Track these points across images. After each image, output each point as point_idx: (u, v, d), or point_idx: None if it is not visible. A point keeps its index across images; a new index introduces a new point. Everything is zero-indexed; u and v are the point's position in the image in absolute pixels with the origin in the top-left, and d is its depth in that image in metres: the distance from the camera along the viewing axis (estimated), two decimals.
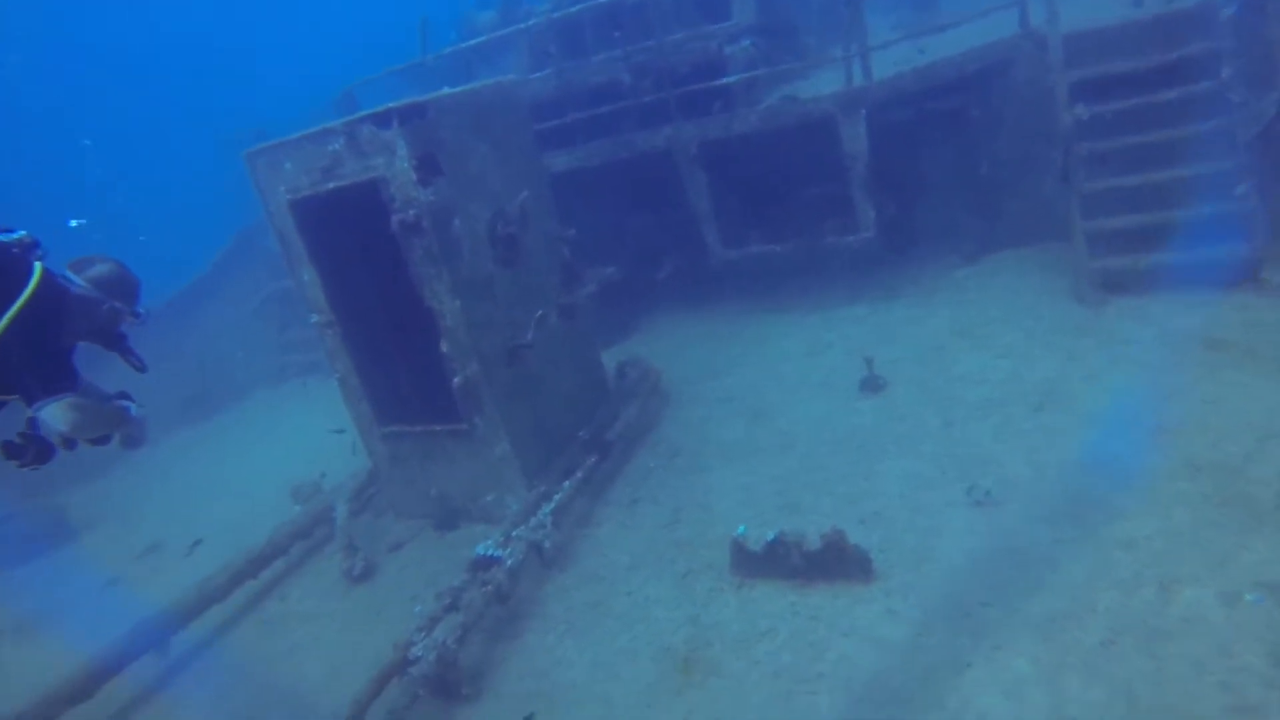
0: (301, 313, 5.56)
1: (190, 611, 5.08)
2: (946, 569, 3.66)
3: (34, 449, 3.11)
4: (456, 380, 4.91)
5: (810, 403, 5.59)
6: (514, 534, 4.70)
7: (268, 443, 8.22)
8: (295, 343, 9.85)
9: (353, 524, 5.58)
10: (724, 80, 6.46)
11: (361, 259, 4.99)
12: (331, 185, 4.75)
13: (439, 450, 5.35)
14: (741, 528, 4.15)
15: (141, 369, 3.54)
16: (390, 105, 4.42)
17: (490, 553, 4.57)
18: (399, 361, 5.34)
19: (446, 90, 4.80)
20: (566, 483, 5.11)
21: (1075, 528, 3.66)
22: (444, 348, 4.89)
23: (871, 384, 5.41)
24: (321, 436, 6.89)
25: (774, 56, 7.12)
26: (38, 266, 3.00)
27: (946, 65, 6.24)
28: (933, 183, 6.85)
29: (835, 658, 3.39)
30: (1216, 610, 3.02)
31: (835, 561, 3.80)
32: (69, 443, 3.18)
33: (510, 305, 5.11)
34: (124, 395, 3.56)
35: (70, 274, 3.28)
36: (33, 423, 3.08)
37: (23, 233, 3.11)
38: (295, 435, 7.79)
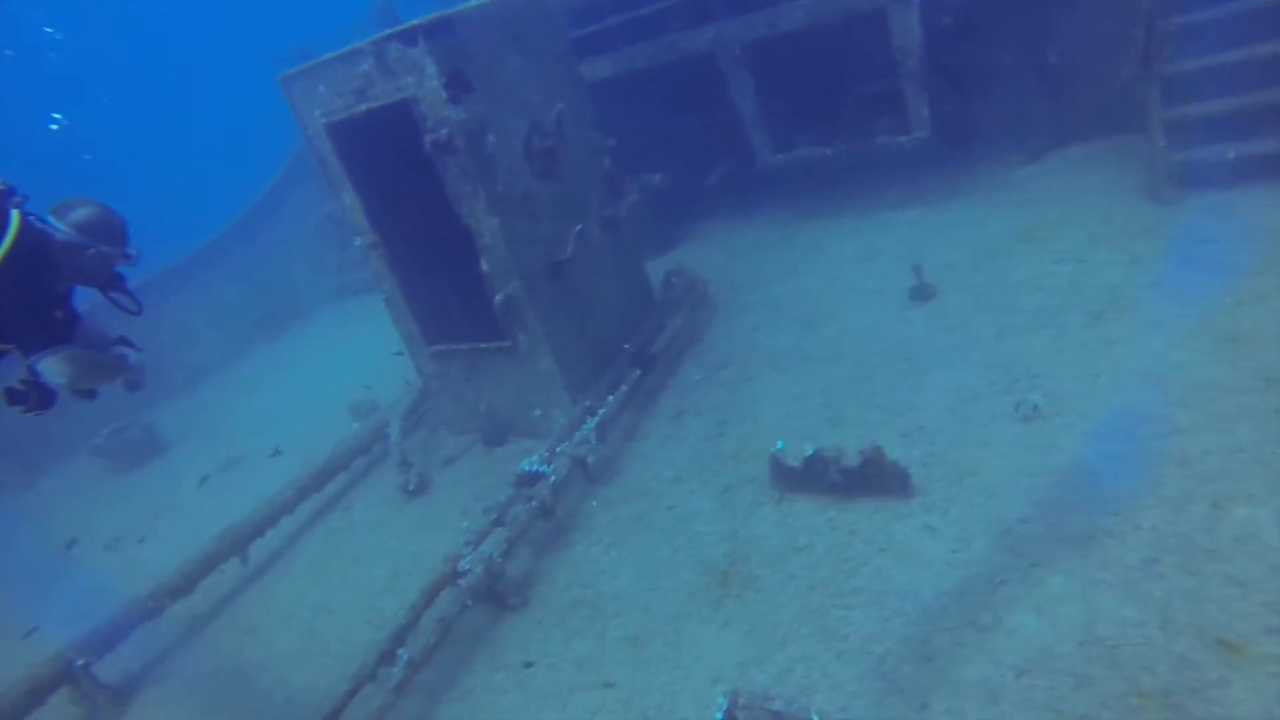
0: (351, 233, 5.61)
1: (265, 522, 5.41)
2: (988, 485, 3.58)
3: (35, 395, 3.15)
4: (498, 298, 4.93)
5: (860, 311, 5.44)
6: (558, 450, 4.80)
7: (334, 359, 8.48)
8: (353, 261, 10.04)
9: (407, 441, 5.78)
10: None
11: (401, 179, 4.97)
12: (364, 107, 4.70)
13: (485, 367, 5.43)
14: (780, 442, 4.12)
15: (136, 312, 3.48)
16: (416, 21, 4.29)
17: (535, 468, 4.68)
18: (443, 280, 5.38)
19: (475, 1, 4.63)
20: (610, 397, 5.15)
21: (1127, 443, 3.51)
22: (484, 266, 4.89)
23: (922, 292, 5.21)
24: (382, 353, 7.05)
25: None
26: (15, 215, 2.95)
27: None
28: (995, 72, 6.37)
29: (870, 573, 3.39)
30: (1272, 530, 2.89)
31: (875, 477, 3.76)
32: (81, 392, 3.24)
33: (550, 219, 5.05)
34: (123, 341, 3.58)
35: (52, 220, 3.21)
36: (32, 370, 3.10)
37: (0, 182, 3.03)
38: (358, 352, 8.00)
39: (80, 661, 4.53)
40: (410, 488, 5.43)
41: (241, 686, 4.37)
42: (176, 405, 9.15)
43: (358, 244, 5.44)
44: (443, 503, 5.32)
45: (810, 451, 3.92)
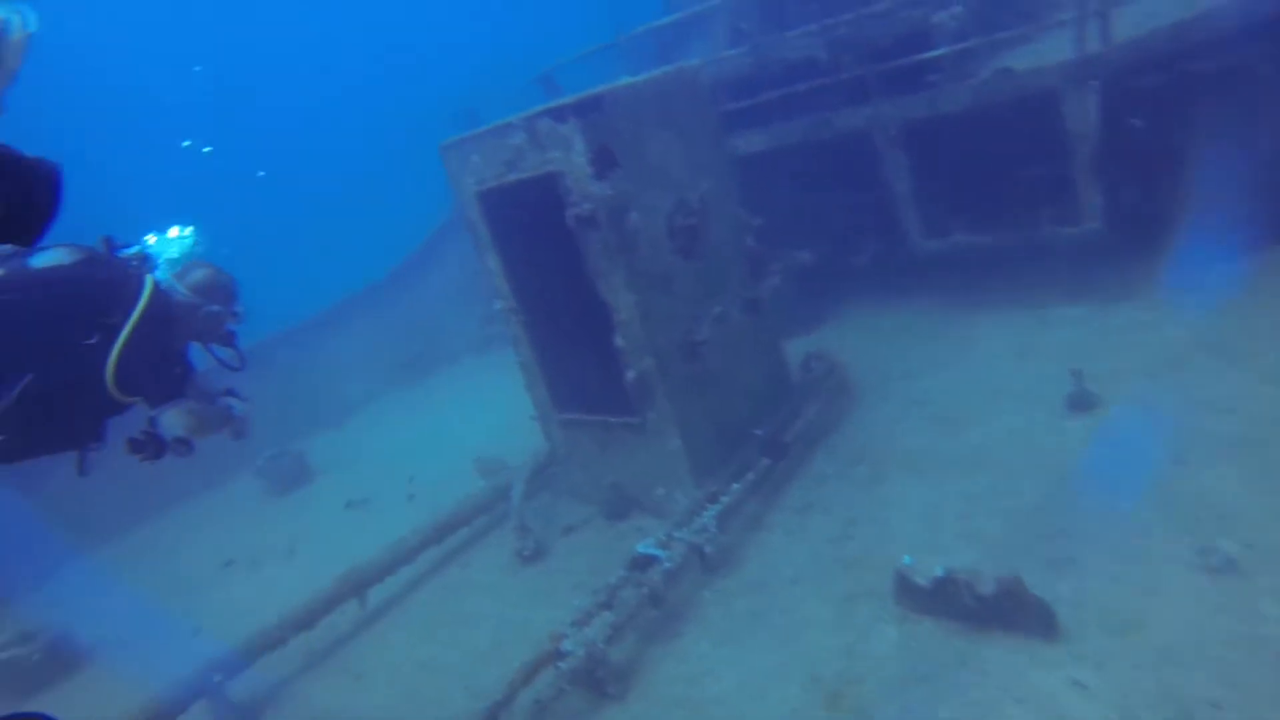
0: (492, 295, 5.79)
1: (385, 569, 5.56)
2: (1160, 645, 3.10)
3: (152, 446, 3.45)
4: (630, 374, 4.90)
5: (1009, 415, 5.01)
6: (676, 535, 4.66)
7: (469, 408, 8.76)
8: (499, 315, 10.44)
9: (527, 505, 5.81)
10: (928, 54, 5.84)
11: (543, 249, 5.09)
12: (514, 177, 4.86)
13: (614, 440, 5.40)
14: (907, 558, 3.80)
15: (238, 368, 3.83)
16: (567, 99, 4.42)
17: (650, 552, 4.56)
18: (578, 350, 5.43)
19: (625, 79, 4.73)
20: (736, 485, 4.98)
21: None
22: (619, 341, 4.89)
23: (1082, 400, 4.74)
24: (516, 409, 7.15)
25: (994, 20, 6.31)
26: (149, 280, 3.28)
27: (1224, 13, 5.20)
28: (1186, 161, 5.82)
29: None
30: None
31: (1013, 611, 3.38)
32: (183, 444, 3.50)
33: (689, 298, 5.00)
34: (230, 393, 3.87)
35: (175, 282, 3.54)
36: (153, 421, 3.42)
37: (138, 247, 3.40)
38: (494, 404, 8.20)
39: (217, 678, 4.78)
40: (526, 553, 5.44)
41: None
42: (326, 437, 9.73)
43: (498, 308, 5.60)
44: (557, 573, 5.28)
45: (941, 572, 3.59)
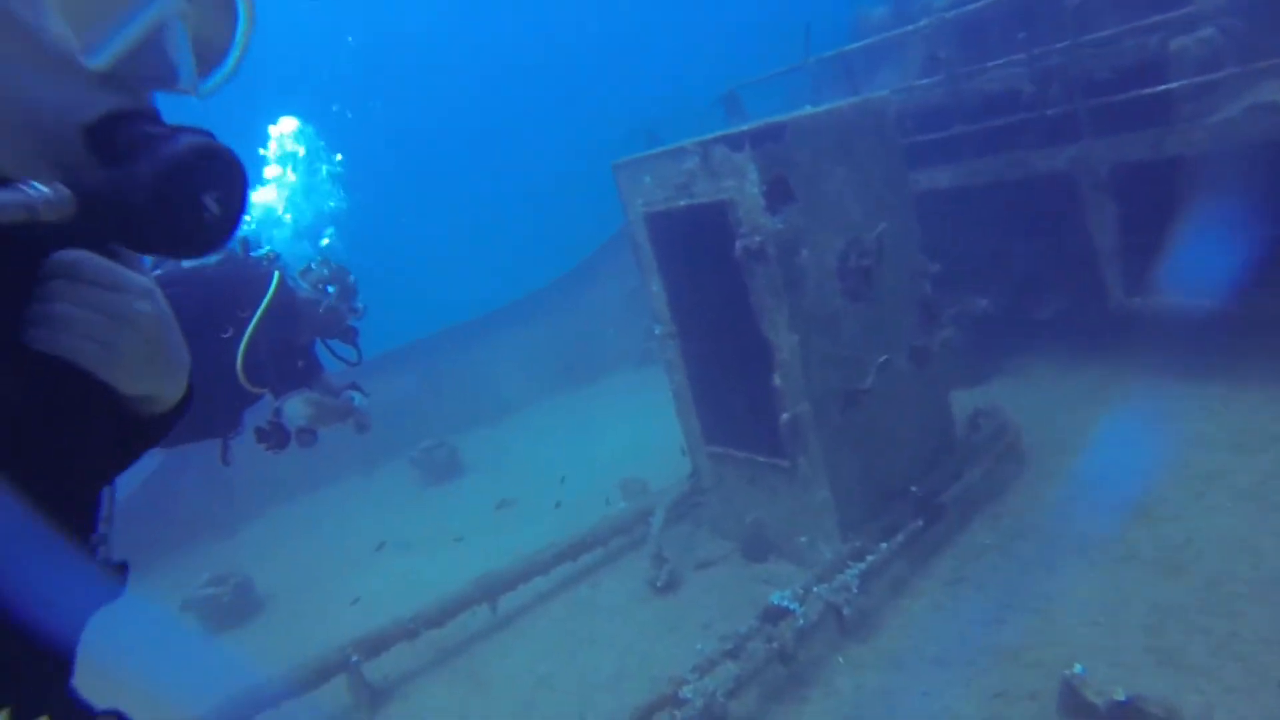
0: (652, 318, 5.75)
1: (519, 577, 5.63)
2: None
3: (276, 436, 3.60)
4: (784, 417, 4.70)
5: (1223, 514, 4.36)
6: (814, 590, 4.40)
7: (621, 423, 8.80)
8: (657, 339, 10.48)
9: (665, 534, 5.71)
10: (1160, 88, 5.20)
11: (708, 277, 4.98)
12: (684, 203, 4.79)
13: (760, 479, 5.21)
14: (1079, 666, 3.36)
15: (355, 363, 3.99)
16: (745, 127, 4.28)
17: (784, 604, 4.33)
18: (733, 384, 5.28)
19: (808, 109, 4.53)
20: (884, 544, 4.65)
21: None
22: (776, 381, 4.70)
23: None
24: (667, 429, 7.07)
25: (1259, 45, 5.48)
26: (276, 275, 3.43)
27: None
28: None
29: None
30: None
31: None
32: (306, 434, 3.64)
33: (855, 343, 4.73)
34: (353, 386, 4.00)
35: (299, 279, 3.73)
36: (278, 412, 3.57)
37: (268, 248, 3.62)
38: (644, 422, 8.19)
39: (354, 659, 5.01)
40: (659, 584, 5.33)
41: None
42: (480, 434, 10.08)
43: (657, 332, 5.55)
44: (687, 607, 5.14)
45: (1123, 697, 3.12)
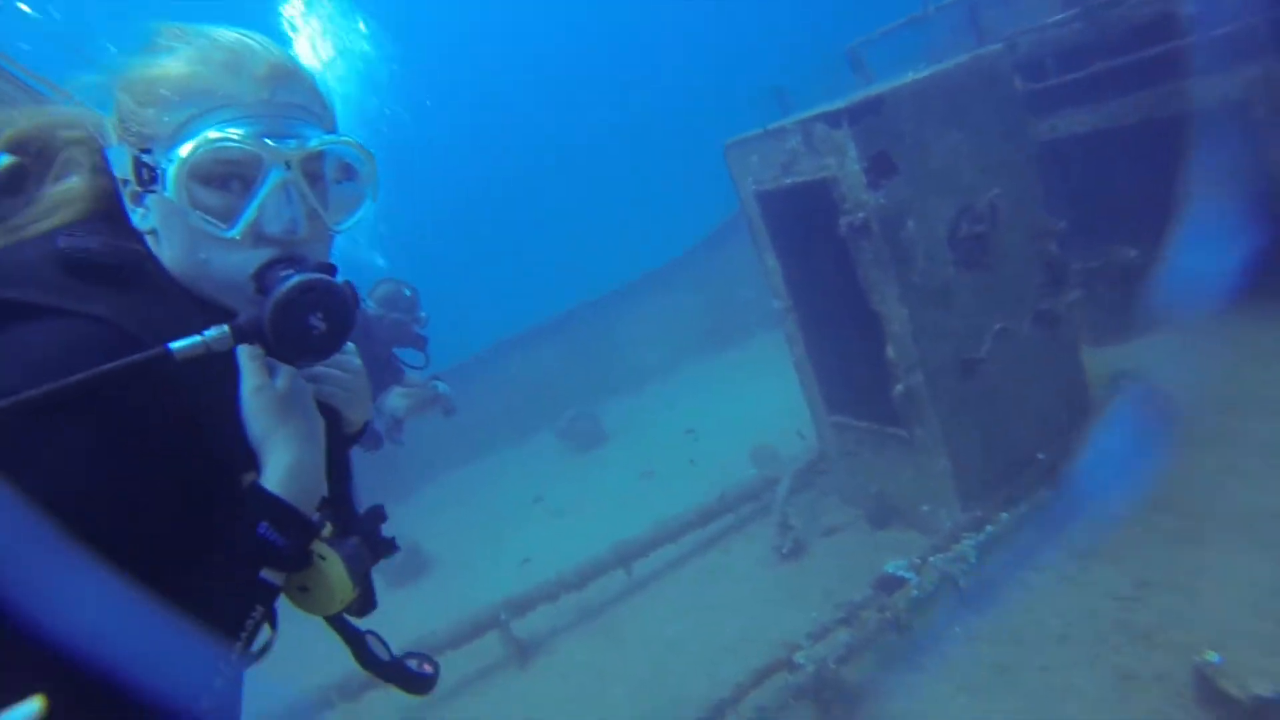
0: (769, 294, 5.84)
1: (652, 544, 6.00)
2: None
3: (371, 438, 4.06)
4: (898, 389, 4.71)
5: None
6: (931, 560, 4.45)
7: (756, 388, 8.92)
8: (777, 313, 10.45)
9: (791, 501, 5.87)
10: None
11: (819, 253, 5.02)
12: (789, 181, 4.84)
13: (881, 448, 5.25)
14: (1214, 654, 3.23)
15: (420, 368, 4.48)
16: (843, 103, 4.27)
17: (899, 573, 4.42)
18: (850, 355, 5.31)
19: (911, 76, 4.43)
20: (1005, 514, 4.59)
21: None
22: (889, 353, 4.71)
23: None
24: (798, 394, 7.17)
25: None
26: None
27: None
28: None
29: None
30: None
31: None
32: (396, 427, 4.17)
33: (970, 312, 4.65)
34: (436, 378, 4.52)
35: (366, 298, 4.23)
36: (376, 411, 4.12)
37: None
38: (779, 386, 8.27)
39: (504, 617, 5.59)
40: (784, 550, 5.53)
41: (600, 692, 4.95)
42: (622, 403, 10.55)
43: (775, 306, 5.66)
44: (811, 574, 5.31)
45: (1270, 693, 2.98)
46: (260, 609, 1.25)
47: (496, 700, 5.19)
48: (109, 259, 1.25)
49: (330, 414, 1.47)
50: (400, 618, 6.35)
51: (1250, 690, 3.02)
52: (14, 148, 1.39)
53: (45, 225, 1.31)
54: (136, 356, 1.11)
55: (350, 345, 1.54)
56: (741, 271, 11.16)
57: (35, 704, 0.95)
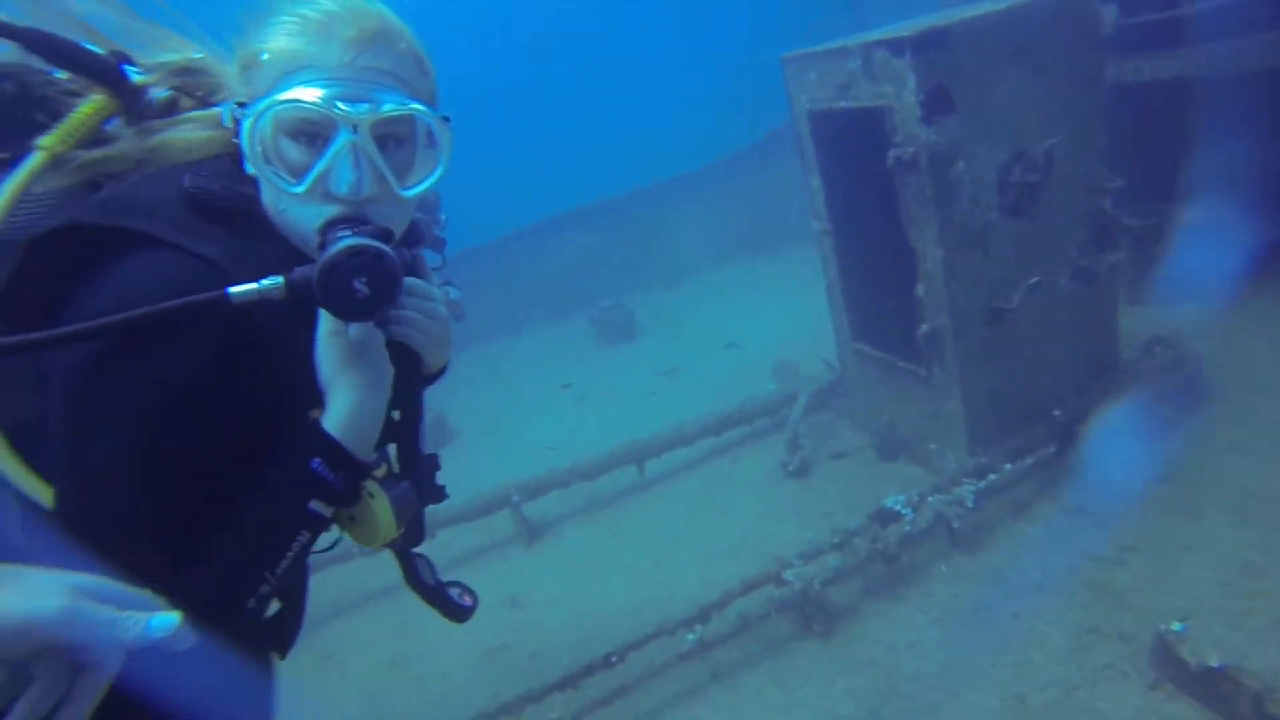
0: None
1: (665, 445, 6.23)
2: None
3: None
4: (924, 328, 4.75)
5: None
6: (929, 499, 4.61)
7: (790, 299, 8.92)
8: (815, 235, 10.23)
9: (806, 420, 6.02)
10: None
11: (864, 180, 4.94)
12: (843, 104, 4.73)
13: (898, 382, 5.33)
14: (1178, 624, 3.40)
15: (439, 268, 4.80)
16: (909, 30, 4.11)
17: (896, 508, 4.59)
18: (881, 285, 5.31)
19: (987, 7, 4.23)
20: (1010, 465, 4.71)
21: None
22: (919, 292, 4.72)
23: None
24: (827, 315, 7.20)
25: None
26: None
27: None
28: None
29: None
30: None
31: None
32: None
33: (1006, 259, 4.60)
34: (448, 283, 4.59)
35: None
36: None
37: None
38: (812, 303, 8.29)
39: (516, 499, 5.92)
40: (790, 468, 5.73)
41: (597, 577, 5.31)
42: (657, 297, 10.58)
43: (815, 228, 5.63)
44: (813, 494, 5.52)
45: (1217, 663, 3.15)
46: (306, 535, 1.38)
47: (499, 574, 5.58)
48: (226, 202, 1.38)
49: (410, 356, 1.59)
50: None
51: (1202, 660, 3.20)
52: (170, 78, 1.53)
53: (178, 158, 1.45)
54: (196, 298, 1.23)
55: (436, 291, 1.65)
56: (790, 182, 10.98)
57: (174, 616, 1.06)
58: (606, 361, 9.32)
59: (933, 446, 5.19)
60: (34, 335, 1.15)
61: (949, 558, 4.53)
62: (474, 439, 8.17)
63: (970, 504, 4.52)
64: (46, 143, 1.40)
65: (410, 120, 1.43)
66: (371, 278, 1.30)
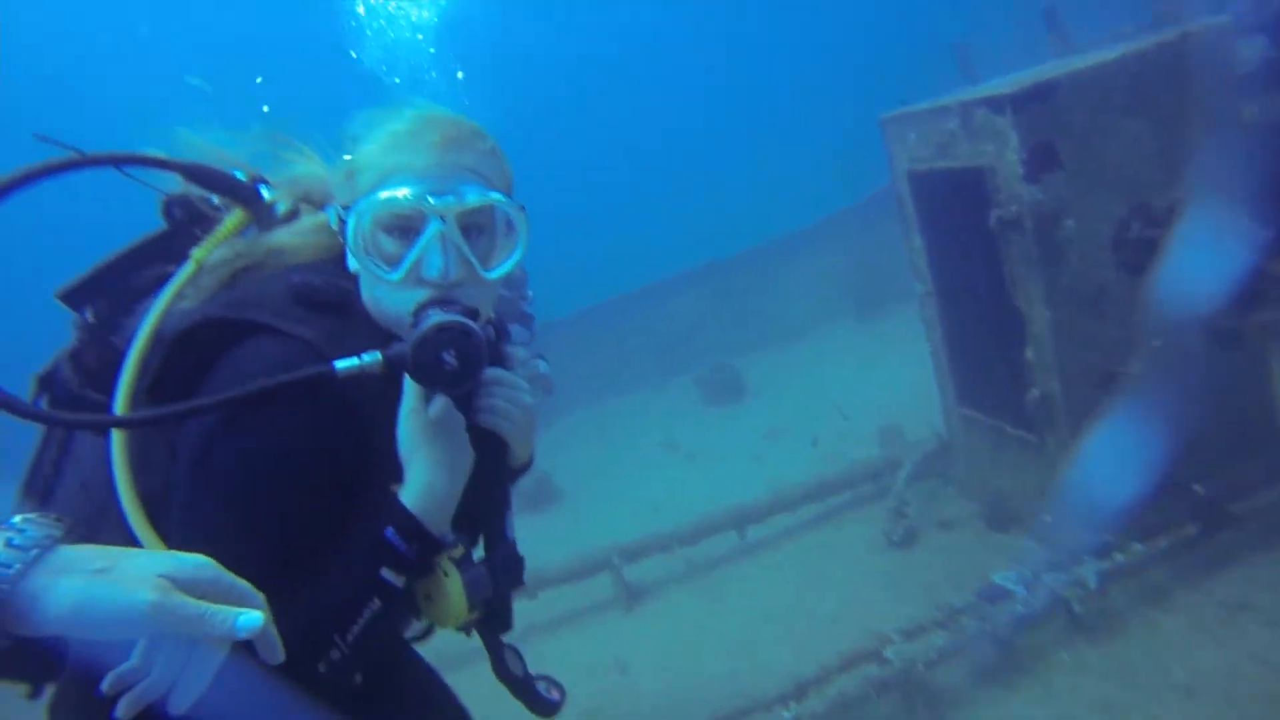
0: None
1: (766, 511, 5.94)
2: None
3: None
4: (1034, 393, 4.34)
5: None
6: (1045, 577, 4.13)
7: (897, 360, 8.47)
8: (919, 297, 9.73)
9: (909, 488, 5.60)
10: None
11: (969, 240, 4.62)
12: (943, 164, 4.47)
13: (1008, 448, 4.89)
14: None
15: (525, 344, 4.62)
16: (1009, 87, 3.84)
17: (1008, 585, 4.14)
18: (988, 349, 4.93)
19: (1095, 57, 3.91)
20: (1140, 545, 4.17)
21: None
22: (1027, 355, 4.33)
23: None
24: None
25: None
26: None
27: None
28: None
29: None
30: None
31: None
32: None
33: (1125, 320, 4.15)
34: (538, 355, 4.49)
35: None
36: None
37: None
38: (920, 366, 7.88)
39: (616, 560, 5.76)
40: (894, 538, 5.32)
41: (695, 644, 5.04)
42: (764, 358, 10.30)
43: (918, 290, 5.32)
44: (917, 567, 5.09)
45: None
46: (377, 603, 1.41)
47: (598, 636, 5.39)
48: (326, 294, 1.53)
49: (497, 443, 1.65)
50: (520, 544, 6.68)
51: None
52: (291, 192, 1.75)
53: (292, 259, 1.63)
54: (305, 371, 1.37)
55: (522, 383, 1.69)
56: (894, 242, 10.57)
57: (259, 616, 1.04)
58: (712, 422, 9.11)
59: (1047, 519, 4.68)
60: (159, 410, 1.35)
61: (1070, 645, 4.01)
62: (578, 498, 8.10)
63: (1093, 585, 4.02)
64: (198, 254, 1.61)
65: (490, 210, 1.54)
66: (459, 351, 1.39)
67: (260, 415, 1.37)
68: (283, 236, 1.66)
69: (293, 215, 1.72)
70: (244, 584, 1.08)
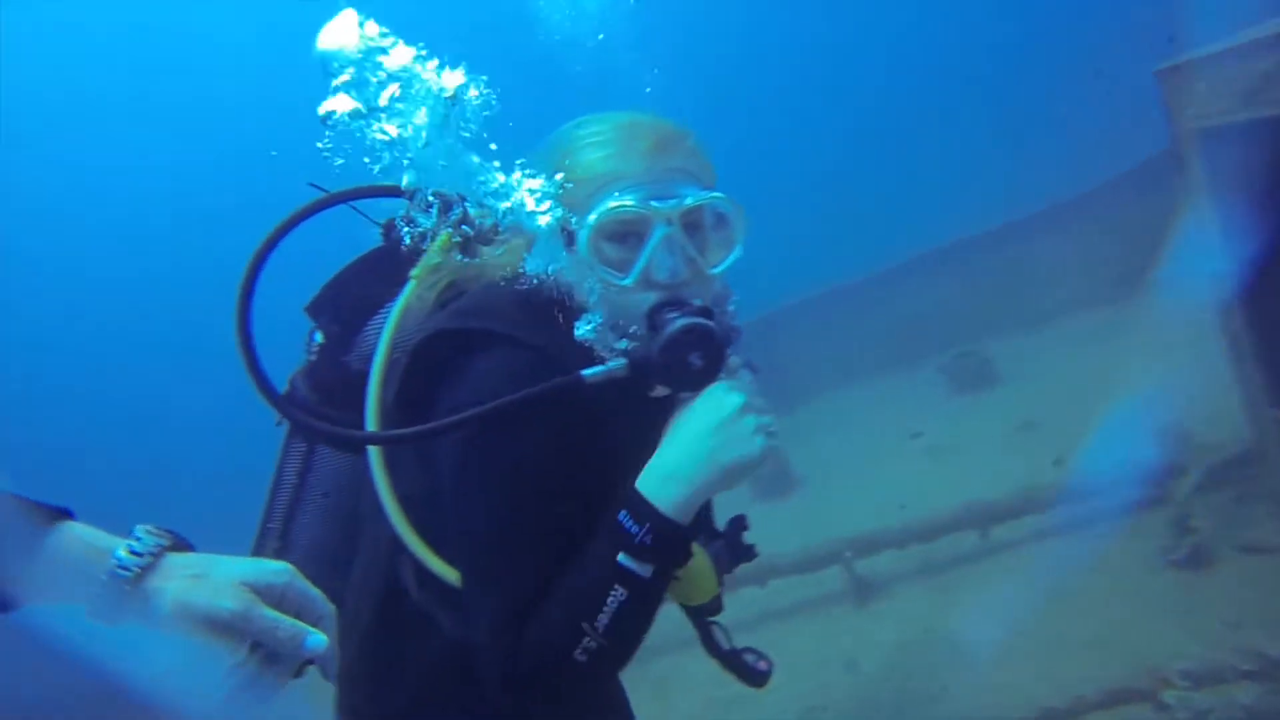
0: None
1: (1011, 511, 5.17)
2: None
3: None
4: None
5: None
6: None
7: (1177, 350, 6.96)
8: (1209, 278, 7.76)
9: (1200, 499, 4.52)
10: None
11: (1278, 208, 3.59)
12: (1251, 115, 3.45)
13: None
14: None
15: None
16: None
17: None
18: None
19: None
20: None
21: None
22: None
23: None
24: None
25: None
26: None
27: None
28: None
29: None
30: None
31: None
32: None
33: None
34: (747, 364, 3.95)
35: None
36: None
37: None
38: (1207, 357, 6.44)
39: (848, 554, 5.35)
40: (1175, 556, 4.33)
41: (925, 647, 4.50)
42: (1016, 342, 8.93)
43: (1209, 271, 4.25)
44: (1209, 594, 4.08)
45: None
46: (622, 590, 1.34)
47: (826, 631, 5.01)
48: (545, 304, 1.52)
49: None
50: (756, 532, 6.44)
51: None
52: (492, 210, 1.70)
53: (494, 274, 1.60)
54: (556, 382, 1.37)
55: (768, 421, 1.53)
56: (1166, 215, 8.68)
57: (323, 638, 1.05)
58: (960, 411, 8.13)
59: None
60: (424, 427, 1.39)
61: None
62: (815, 488, 7.64)
63: None
64: (416, 274, 1.63)
65: (702, 207, 1.50)
66: (704, 352, 1.40)
67: (516, 426, 1.38)
68: (488, 253, 1.64)
69: (492, 232, 1.68)
70: (316, 591, 1.08)
